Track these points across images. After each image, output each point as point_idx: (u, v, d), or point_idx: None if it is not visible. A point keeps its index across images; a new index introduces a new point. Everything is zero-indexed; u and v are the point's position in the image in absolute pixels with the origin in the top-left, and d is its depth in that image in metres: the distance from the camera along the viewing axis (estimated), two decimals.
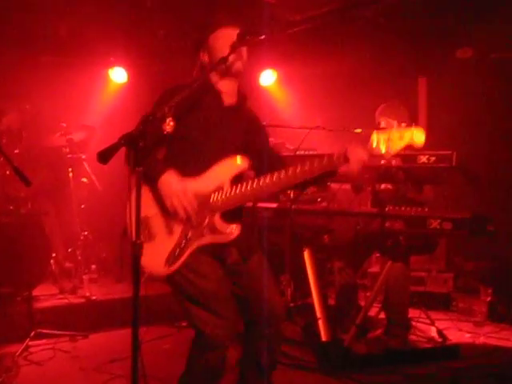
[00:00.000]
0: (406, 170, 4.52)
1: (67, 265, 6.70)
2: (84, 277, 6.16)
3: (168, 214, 3.03)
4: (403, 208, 4.50)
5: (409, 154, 4.53)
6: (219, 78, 3.19)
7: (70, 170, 6.56)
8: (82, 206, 6.90)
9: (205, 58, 3.21)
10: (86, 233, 6.73)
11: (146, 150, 2.60)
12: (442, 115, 7.13)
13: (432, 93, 7.41)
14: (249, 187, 3.04)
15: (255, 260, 3.25)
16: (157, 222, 3.07)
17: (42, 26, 6.77)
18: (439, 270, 6.51)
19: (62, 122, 6.55)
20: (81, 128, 6.84)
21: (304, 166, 3.00)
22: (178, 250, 3.02)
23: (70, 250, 6.74)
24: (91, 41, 6.96)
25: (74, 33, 6.94)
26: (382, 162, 4.42)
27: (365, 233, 4.68)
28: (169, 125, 2.71)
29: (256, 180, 3.05)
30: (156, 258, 3.03)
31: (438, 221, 4.27)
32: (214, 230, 3.05)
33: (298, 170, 3.00)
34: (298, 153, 5.12)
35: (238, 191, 3.05)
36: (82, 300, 5.83)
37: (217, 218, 3.05)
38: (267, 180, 3.03)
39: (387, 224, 4.51)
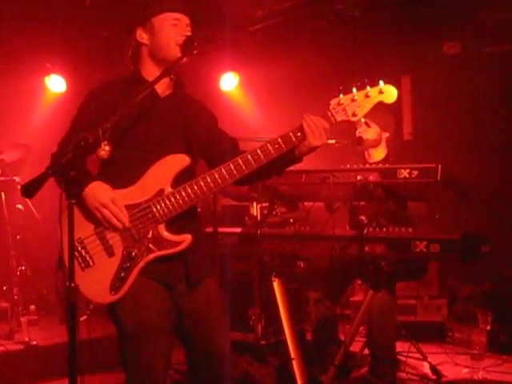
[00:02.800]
0: (385, 187, 4.55)
1: (2, 305, 6.64)
2: (22, 319, 6.11)
3: (105, 232, 3.06)
4: (384, 229, 4.54)
5: (388, 167, 4.58)
6: (157, 68, 3.21)
7: (2, 194, 6.52)
8: (18, 237, 6.85)
9: (143, 37, 3.25)
10: (23, 267, 6.70)
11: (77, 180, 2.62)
12: (428, 118, 7.23)
13: (417, 93, 7.49)
14: (195, 186, 3.07)
15: (204, 288, 3.28)
16: (94, 244, 3.07)
17: None
18: (431, 295, 6.56)
19: None
20: (13, 146, 6.82)
21: (257, 152, 3.09)
22: (122, 272, 3.04)
23: (4, 287, 6.69)
24: (23, 45, 6.94)
25: (3, 36, 6.91)
26: (359, 177, 4.47)
27: (342, 259, 4.68)
28: (104, 150, 2.71)
29: (202, 177, 3.09)
30: (99, 285, 3.04)
31: (424, 243, 4.28)
32: (160, 242, 3.07)
33: (250, 158, 3.08)
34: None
35: (182, 193, 3.07)
36: (20, 346, 5.77)
37: (162, 229, 3.08)
38: (216, 175, 3.08)
39: (367, 248, 4.54)
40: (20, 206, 7.01)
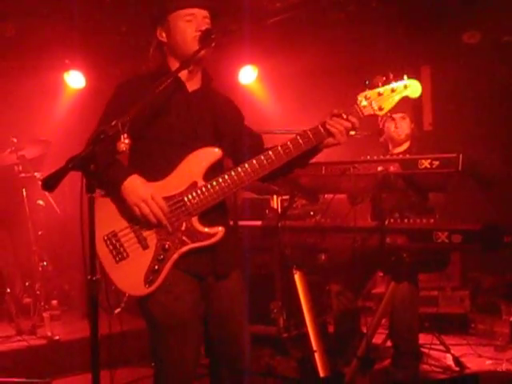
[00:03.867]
0: (406, 177, 4.53)
1: (25, 301, 6.66)
2: (44, 314, 6.11)
3: (139, 225, 3.06)
4: (406, 220, 4.51)
5: (409, 158, 4.55)
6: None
7: (23, 190, 6.54)
8: (40, 233, 6.87)
9: (162, 36, 3.28)
10: (44, 263, 6.71)
11: (97, 174, 2.63)
12: (448, 108, 7.19)
13: (437, 83, 7.45)
14: (227, 179, 3.09)
15: (230, 282, 3.30)
16: (128, 237, 3.07)
17: None
18: (453, 287, 6.53)
19: (11, 136, 6.53)
20: (34, 142, 6.82)
21: (288, 145, 3.13)
22: (156, 264, 3.04)
23: (27, 283, 6.71)
24: (42, 41, 6.95)
25: (22, 32, 6.92)
26: (379, 169, 4.44)
27: (363, 250, 4.66)
28: (124, 142, 2.71)
29: (234, 170, 3.11)
30: (133, 277, 3.05)
31: (446, 233, 4.26)
32: (194, 234, 3.09)
33: (281, 151, 3.12)
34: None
35: (215, 186, 3.09)
36: (43, 341, 5.78)
37: (195, 221, 3.09)
38: (248, 168, 3.10)
39: (388, 239, 4.52)
40: (41, 202, 7.02)
